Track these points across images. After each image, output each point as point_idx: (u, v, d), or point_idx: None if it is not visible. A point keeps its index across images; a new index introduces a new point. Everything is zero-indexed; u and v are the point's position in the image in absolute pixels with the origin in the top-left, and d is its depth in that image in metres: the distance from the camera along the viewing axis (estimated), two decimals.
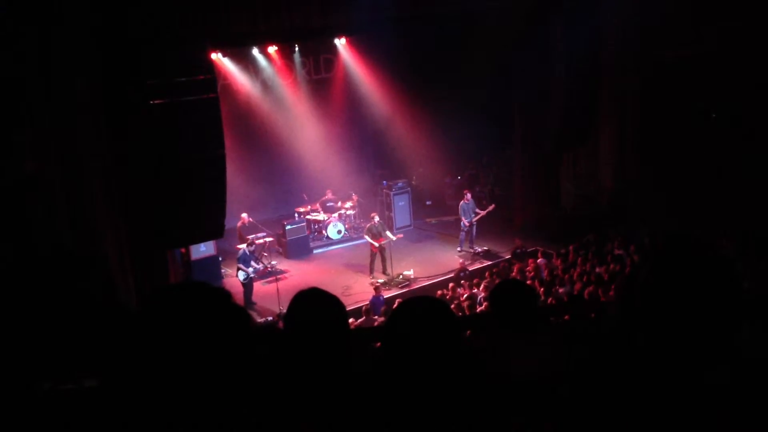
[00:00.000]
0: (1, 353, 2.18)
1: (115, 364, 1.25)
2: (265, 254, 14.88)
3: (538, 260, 12.89)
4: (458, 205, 15.34)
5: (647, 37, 13.36)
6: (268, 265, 14.52)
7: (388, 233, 14.42)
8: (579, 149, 15.27)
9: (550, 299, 9.98)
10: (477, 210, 15.19)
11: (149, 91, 9.28)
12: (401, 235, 15.33)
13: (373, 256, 14.22)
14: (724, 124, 12.77)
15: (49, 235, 7.70)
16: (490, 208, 15.40)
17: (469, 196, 15.34)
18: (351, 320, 10.02)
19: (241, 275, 13.05)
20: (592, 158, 15.39)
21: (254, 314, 12.27)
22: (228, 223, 11.10)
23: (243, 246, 13.68)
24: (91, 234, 8.38)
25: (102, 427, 1.36)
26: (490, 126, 16.09)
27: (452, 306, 10.37)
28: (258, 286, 13.55)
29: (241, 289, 12.91)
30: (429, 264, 14.56)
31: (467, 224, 15.06)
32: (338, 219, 16.27)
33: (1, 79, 7.31)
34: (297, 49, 16.67)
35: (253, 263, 13.42)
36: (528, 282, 11.05)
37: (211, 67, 10.16)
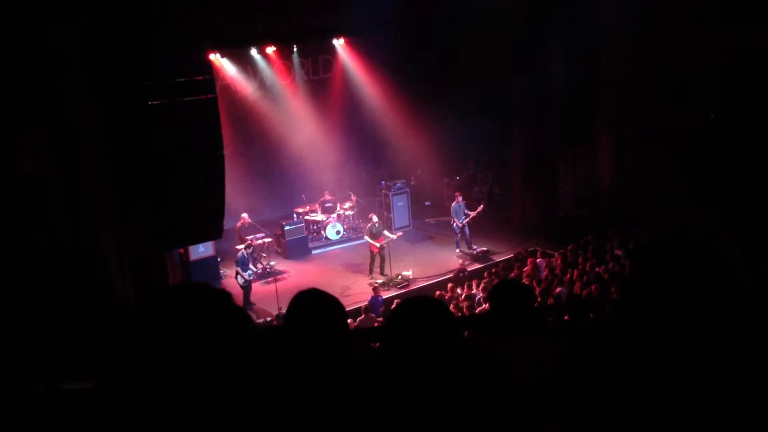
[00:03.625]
0: (0, 352, 2.18)
1: (114, 364, 1.25)
2: (264, 255, 14.88)
3: (537, 260, 12.90)
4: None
5: (647, 37, 13.36)
6: (267, 266, 14.51)
7: (386, 232, 14.43)
8: (578, 149, 15.28)
9: (550, 299, 9.97)
10: (467, 212, 15.08)
11: (148, 91, 9.27)
12: (401, 233, 15.33)
13: (372, 256, 14.22)
14: (724, 123, 12.78)
15: (48, 236, 7.69)
16: (480, 208, 15.32)
17: (459, 197, 15.28)
18: (350, 320, 10.01)
19: (240, 280, 13.05)
20: (592, 158, 15.39)
21: (253, 315, 12.27)
22: (227, 224, 11.08)
23: (242, 247, 13.67)
24: (90, 234, 8.37)
25: (101, 429, 1.36)
26: (489, 126, 16.08)
27: (451, 306, 10.37)
28: (257, 287, 13.55)
29: (240, 289, 12.91)
30: (428, 264, 14.57)
31: (459, 225, 15.02)
32: (337, 219, 16.26)
33: (0, 79, 7.31)
34: (296, 49, 16.67)
35: (251, 267, 13.41)
36: (527, 282, 11.05)
37: (210, 68, 10.16)
